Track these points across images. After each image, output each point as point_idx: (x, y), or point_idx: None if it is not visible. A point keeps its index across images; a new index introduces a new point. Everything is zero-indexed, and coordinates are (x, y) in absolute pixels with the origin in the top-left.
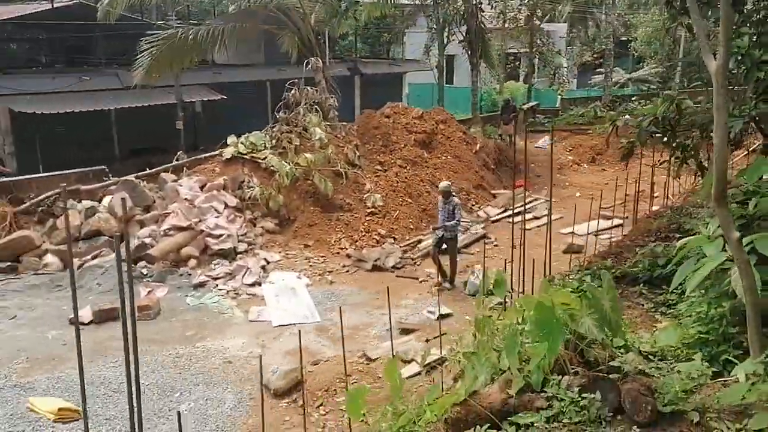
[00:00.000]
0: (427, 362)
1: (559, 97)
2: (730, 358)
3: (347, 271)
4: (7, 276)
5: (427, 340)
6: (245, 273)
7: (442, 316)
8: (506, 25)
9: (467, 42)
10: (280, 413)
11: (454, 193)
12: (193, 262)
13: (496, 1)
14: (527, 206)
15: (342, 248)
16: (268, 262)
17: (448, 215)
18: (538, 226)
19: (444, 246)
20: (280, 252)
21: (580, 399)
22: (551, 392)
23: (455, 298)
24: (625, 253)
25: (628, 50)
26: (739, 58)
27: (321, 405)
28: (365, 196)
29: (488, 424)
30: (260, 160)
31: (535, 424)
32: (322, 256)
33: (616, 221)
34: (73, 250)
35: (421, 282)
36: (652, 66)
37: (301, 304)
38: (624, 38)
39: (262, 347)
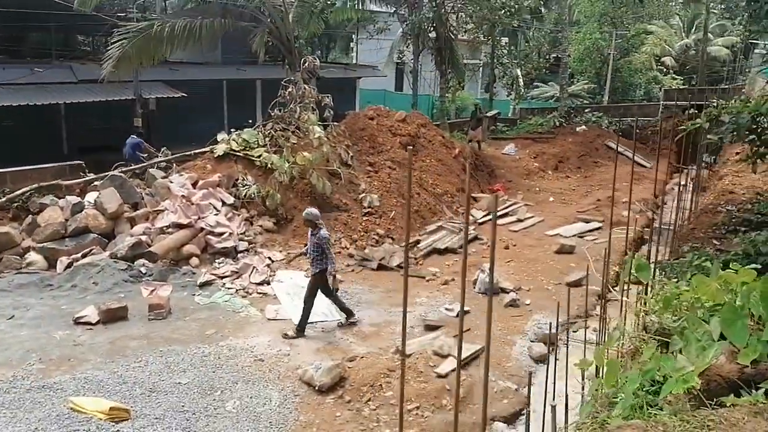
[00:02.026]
0: (464, 356)
1: (512, 107)
2: None
3: (353, 270)
4: None
5: (454, 336)
6: (252, 272)
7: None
8: (467, 36)
9: (436, 49)
10: (329, 409)
11: (320, 223)
12: (195, 261)
13: (460, 11)
14: (508, 209)
15: (343, 248)
16: (272, 261)
17: (315, 250)
18: (525, 228)
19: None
20: (281, 251)
21: None
22: None
23: (467, 296)
24: (705, 245)
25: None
26: None
27: (369, 400)
28: (361, 196)
29: (731, 393)
30: (255, 158)
31: None
32: None
33: (595, 224)
34: (61, 248)
35: (428, 281)
36: (584, 82)
37: (317, 302)
38: (554, 55)
39: (290, 345)
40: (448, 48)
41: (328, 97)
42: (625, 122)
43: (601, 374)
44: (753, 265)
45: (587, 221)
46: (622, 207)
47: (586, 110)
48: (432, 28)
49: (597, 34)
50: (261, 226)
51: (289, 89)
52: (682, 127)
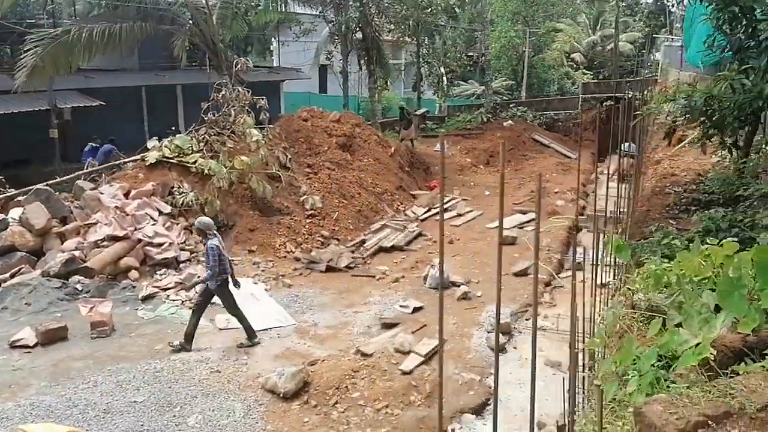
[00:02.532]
0: (426, 352)
1: (438, 105)
2: None
3: (300, 274)
4: None
5: (413, 332)
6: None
7: (415, 309)
8: (391, 36)
9: (364, 49)
10: (296, 416)
11: (211, 233)
12: (135, 274)
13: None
14: (447, 205)
15: (288, 251)
16: None
17: (208, 260)
18: (466, 222)
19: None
20: None
21: None
22: None
23: (419, 292)
24: (663, 225)
25: (481, 64)
26: None
27: (336, 403)
28: (303, 198)
29: (737, 362)
30: (190, 164)
31: None
32: (270, 260)
33: (532, 215)
34: None
35: (378, 279)
36: (502, 79)
37: (268, 308)
38: (471, 54)
39: (246, 354)
40: (375, 48)
41: (262, 99)
42: (547, 116)
43: (597, 354)
44: (730, 239)
45: (524, 212)
46: (555, 197)
47: (511, 105)
48: (358, 29)
49: (512, 33)
50: None
51: (222, 92)
52: (638, 112)
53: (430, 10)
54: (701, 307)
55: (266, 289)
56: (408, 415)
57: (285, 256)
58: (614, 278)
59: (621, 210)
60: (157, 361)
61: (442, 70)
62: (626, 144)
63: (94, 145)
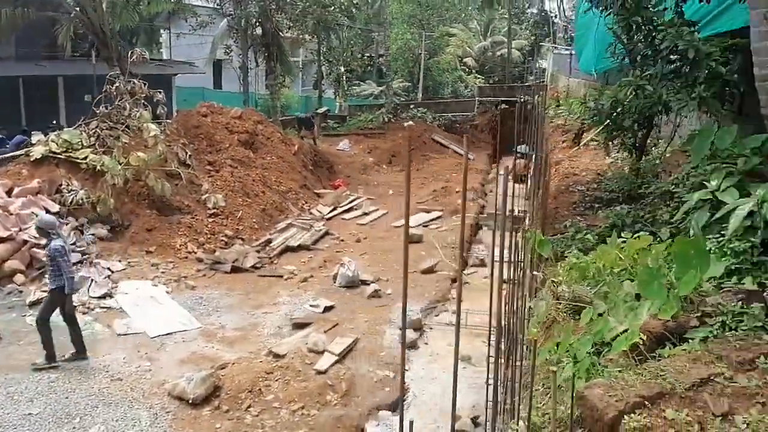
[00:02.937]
0: (340, 351)
1: (338, 104)
2: (763, 281)
3: (204, 275)
4: None
5: (325, 332)
6: (91, 285)
7: (326, 309)
8: (291, 33)
9: (264, 45)
10: (207, 422)
11: (54, 233)
12: (20, 278)
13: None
14: (352, 204)
15: (190, 252)
16: (112, 272)
17: (50, 264)
18: (372, 221)
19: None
20: (120, 260)
21: (746, 310)
22: (709, 310)
23: (329, 291)
24: (572, 220)
25: (378, 65)
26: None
27: (249, 407)
28: (204, 197)
29: (659, 346)
30: (80, 160)
31: (712, 334)
32: (171, 262)
33: (436, 213)
34: None
35: (286, 279)
36: (399, 80)
37: (171, 311)
38: (367, 54)
39: (149, 360)
40: (275, 44)
41: (160, 92)
42: (446, 117)
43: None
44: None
45: (428, 211)
46: (456, 196)
47: (411, 106)
48: (258, 24)
49: (408, 35)
50: (94, 234)
51: (117, 84)
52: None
53: (333, 8)
54: (625, 296)
55: (167, 292)
56: (325, 415)
57: (186, 257)
58: (536, 272)
59: (521, 209)
60: (51, 371)
61: (342, 69)
62: (522, 146)
63: (0, 136)
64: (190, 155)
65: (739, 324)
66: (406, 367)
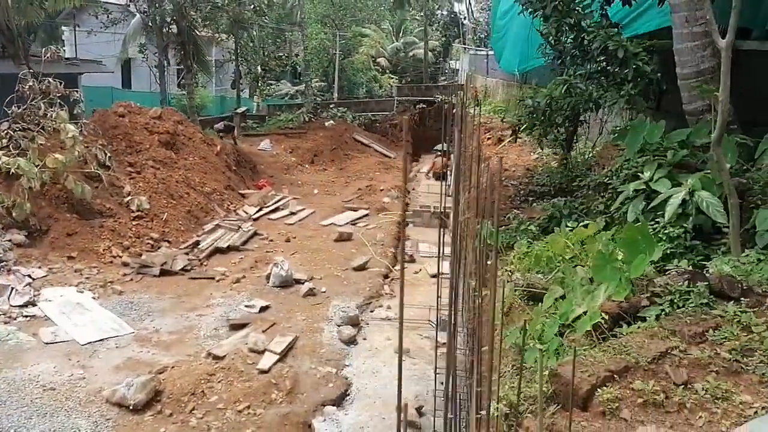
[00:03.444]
0: (281, 349)
1: (256, 104)
2: (696, 263)
3: (131, 279)
4: None
5: (263, 331)
6: (11, 293)
7: (262, 309)
8: (205, 32)
9: (180, 44)
10: (150, 427)
11: None
12: None
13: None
14: (278, 204)
15: (115, 256)
16: (33, 279)
17: None
18: (300, 220)
19: None
20: (41, 267)
21: (692, 288)
22: (658, 290)
23: (263, 291)
24: (510, 213)
25: (292, 64)
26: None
27: (193, 409)
28: (127, 199)
29: (619, 325)
30: None
31: (663, 312)
32: (95, 267)
33: (363, 212)
34: None
35: (218, 281)
36: (314, 80)
37: (100, 317)
38: (281, 54)
39: (82, 368)
40: (191, 42)
41: (77, 91)
42: (366, 116)
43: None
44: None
45: (355, 209)
46: (381, 194)
47: (330, 106)
48: (173, 21)
49: (322, 35)
50: (10, 240)
51: (30, 83)
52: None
53: (253, 7)
54: (581, 281)
55: (94, 298)
56: (271, 413)
57: (111, 262)
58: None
59: (446, 205)
60: None
61: (259, 69)
62: (443, 144)
63: None
64: (109, 156)
65: (687, 302)
66: (347, 363)
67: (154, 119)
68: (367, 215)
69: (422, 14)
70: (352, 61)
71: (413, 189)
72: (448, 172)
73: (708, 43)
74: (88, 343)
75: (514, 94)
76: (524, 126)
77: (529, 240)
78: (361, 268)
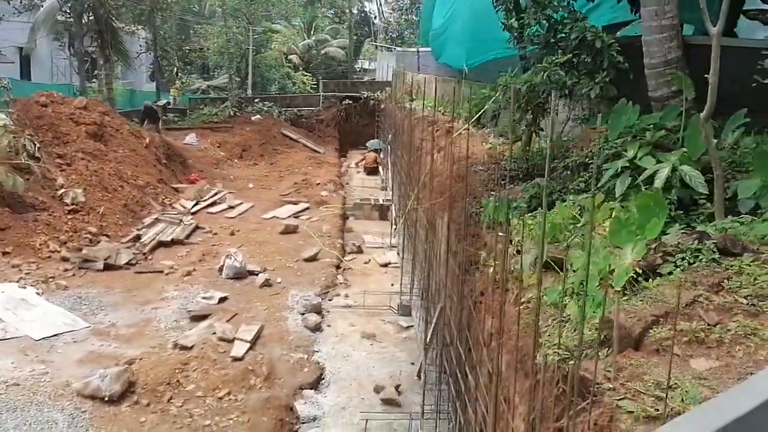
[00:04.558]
0: (251, 338)
1: (173, 97)
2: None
3: (74, 275)
4: None
5: (227, 321)
6: None
7: (221, 300)
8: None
9: (98, 33)
10: (130, 417)
11: None
12: None
13: None
14: (215, 198)
15: (52, 251)
16: None
17: None
18: (240, 214)
19: None
20: None
21: (701, 246)
22: (669, 249)
23: (216, 283)
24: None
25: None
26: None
27: (171, 398)
28: (61, 192)
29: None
30: None
31: (677, 268)
32: (33, 262)
33: (303, 205)
34: None
35: (167, 274)
36: (225, 75)
37: (49, 313)
38: (187, 48)
39: (43, 363)
40: (110, 32)
41: (4, 78)
42: (291, 112)
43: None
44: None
45: (295, 203)
46: (317, 188)
47: (255, 100)
48: (89, 8)
49: (234, 29)
50: None
51: None
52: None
53: None
54: (600, 243)
55: (38, 293)
56: (253, 398)
57: (49, 256)
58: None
59: (387, 198)
60: None
61: (177, 62)
62: (374, 140)
63: None
64: (39, 147)
65: (697, 258)
66: (317, 349)
67: (79, 109)
68: (308, 208)
69: (332, 12)
70: (265, 57)
71: (347, 183)
72: (380, 168)
73: (674, 35)
74: (43, 338)
75: (449, 89)
76: (492, 115)
77: (519, 216)
78: (313, 259)
